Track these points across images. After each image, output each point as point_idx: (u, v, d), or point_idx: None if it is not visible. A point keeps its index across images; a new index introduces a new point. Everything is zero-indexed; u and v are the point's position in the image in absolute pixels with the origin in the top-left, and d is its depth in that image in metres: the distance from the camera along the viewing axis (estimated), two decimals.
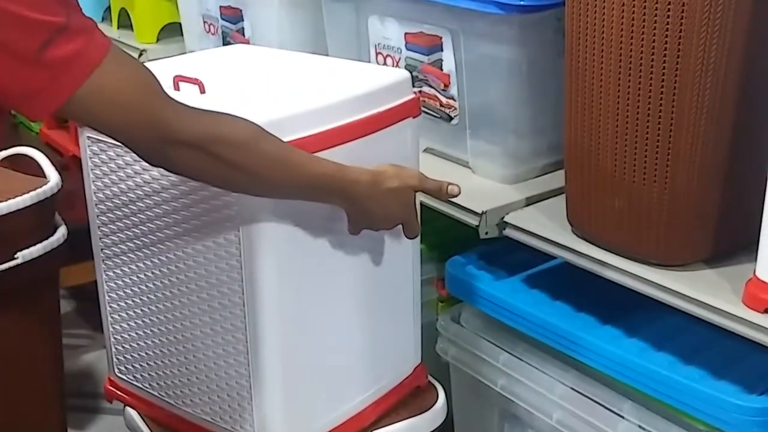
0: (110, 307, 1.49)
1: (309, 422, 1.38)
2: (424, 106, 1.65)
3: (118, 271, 1.45)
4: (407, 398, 1.52)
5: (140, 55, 2.43)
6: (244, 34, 2.08)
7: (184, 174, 1.16)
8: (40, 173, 1.70)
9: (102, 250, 1.46)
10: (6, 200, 1.58)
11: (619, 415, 1.39)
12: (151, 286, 1.41)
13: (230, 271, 1.29)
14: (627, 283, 1.32)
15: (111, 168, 1.38)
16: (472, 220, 1.49)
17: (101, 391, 1.59)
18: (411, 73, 1.45)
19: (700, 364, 1.31)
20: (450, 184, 1.32)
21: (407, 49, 1.68)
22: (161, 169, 1.27)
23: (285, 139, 1.17)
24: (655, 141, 1.23)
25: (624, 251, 1.33)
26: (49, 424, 1.81)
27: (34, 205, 1.61)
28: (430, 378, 1.57)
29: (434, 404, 1.52)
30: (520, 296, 1.53)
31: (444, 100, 1.65)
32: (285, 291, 1.30)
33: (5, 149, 1.80)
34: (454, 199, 1.45)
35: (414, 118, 1.39)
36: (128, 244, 1.41)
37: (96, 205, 1.43)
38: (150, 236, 1.38)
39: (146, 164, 1.19)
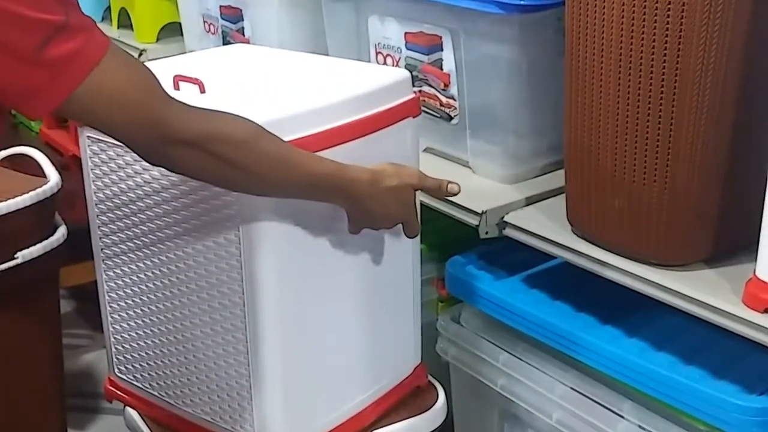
0: (110, 307, 1.49)
1: (309, 422, 1.38)
2: (424, 106, 1.65)
3: (118, 271, 1.45)
4: (407, 398, 1.52)
5: (140, 54, 2.43)
6: (244, 34, 2.08)
7: (184, 173, 1.16)
8: (40, 173, 1.70)
9: (102, 250, 1.46)
10: (6, 200, 1.58)
11: (619, 415, 1.39)
12: (151, 286, 1.41)
13: (230, 271, 1.29)
14: (627, 283, 1.32)
15: (111, 168, 1.38)
16: (472, 220, 1.49)
17: (101, 391, 1.59)
18: (411, 72, 1.45)
19: (700, 364, 1.31)
20: (449, 182, 1.32)
21: (407, 48, 1.68)
22: (161, 169, 1.27)
23: (285, 139, 1.17)
24: (655, 141, 1.23)
25: (624, 251, 1.33)
26: (49, 424, 1.81)
27: (34, 205, 1.61)
28: (430, 378, 1.57)
29: (434, 404, 1.52)
30: (520, 296, 1.53)
31: (444, 99, 1.65)
32: (285, 291, 1.30)
33: (5, 149, 1.80)
34: (454, 199, 1.45)
35: (414, 117, 1.39)
36: (128, 244, 1.41)
37: (96, 205, 1.43)
38: (150, 236, 1.38)
39: (146, 164, 1.20)
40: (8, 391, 1.68)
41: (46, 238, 1.65)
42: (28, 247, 1.62)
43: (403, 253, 1.45)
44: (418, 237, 1.40)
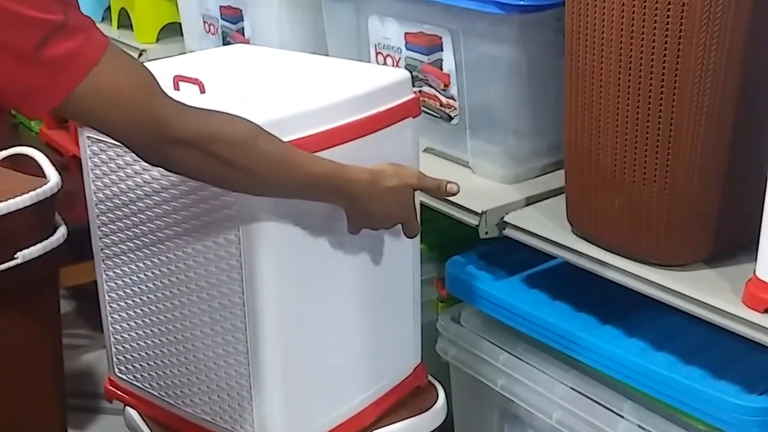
0: (110, 307, 1.49)
1: (309, 422, 1.38)
2: (424, 106, 1.65)
3: (118, 271, 1.45)
4: (407, 398, 1.52)
5: (140, 55, 2.43)
6: (244, 34, 2.08)
7: (183, 173, 1.16)
8: (40, 173, 1.70)
9: (102, 250, 1.46)
10: (6, 200, 1.58)
11: (619, 415, 1.39)
12: (151, 286, 1.41)
13: (230, 271, 1.29)
14: (627, 283, 1.32)
15: (111, 168, 1.38)
16: (472, 220, 1.49)
17: (101, 391, 1.59)
18: (411, 73, 1.45)
19: (700, 364, 1.31)
20: (449, 182, 1.32)
21: (407, 49, 1.68)
22: (161, 169, 1.27)
23: (285, 139, 1.17)
24: (655, 141, 1.23)
25: (624, 251, 1.33)
26: (49, 424, 1.81)
27: (34, 205, 1.61)
28: (430, 378, 1.57)
29: (434, 404, 1.52)
30: (520, 296, 1.53)
31: (444, 100, 1.65)
32: (285, 291, 1.30)
33: (5, 149, 1.80)
34: (454, 199, 1.45)
35: (414, 117, 1.39)
36: (128, 244, 1.41)
37: (96, 205, 1.43)
38: (150, 236, 1.38)
39: (146, 164, 1.19)
40: (8, 391, 1.68)
41: (46, 238, 1.65)
42: (28, 247, 1.62)
43: (403, 253, 1.45)
44: (418, 237, 1.40)
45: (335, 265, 1.35)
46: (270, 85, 1.41)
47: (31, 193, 1.61)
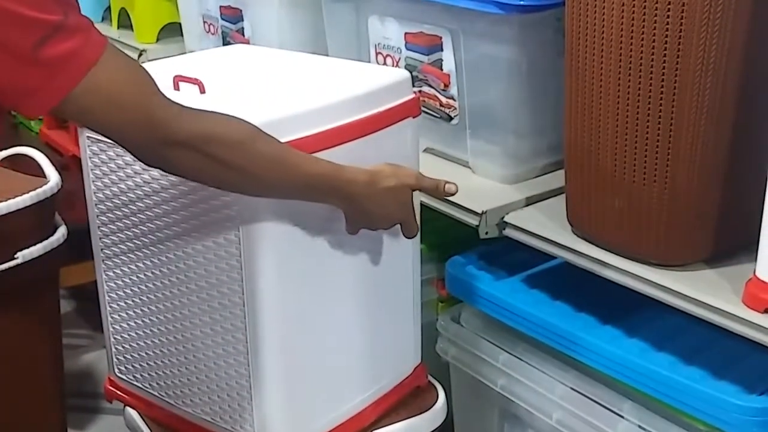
0: (110, 307, 1.49)
1: (309, 422, 1.38)
2: (424, 106, 1.64)
3: (118, 271, 1.45)
4: (407, 398, 1.52)
5: (140, 55, 2.43)
6: (244, 34, 2.08)
7: (181, 174, 1.16)
8: (40, 173, 1.70)
9: (102, 250, 1.46)
10: (6, 200, 1.58)
11: (619, 415, 1.39)
12: (151, 286, 1.41)
13: (230, 271, 1.29)
14: (627, 283, 1.32)
15: (111, 168, 1.38)
16: (472, 220, 1.49)
17: (101, 391, 1.59)
18: (411, 73, 1.45)
19: (700, 364, 1.31)
20: (447, 182, 1.32)
21: (407, 49, 1.68)
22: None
23: (284, 139, 1.17)
24: (655, 141, 1.23)
25: (624, 251, 1.33)
26: (49, 424, 1.81)
27: (34, 205, 1.61)
28: (430, 378, 1.57)
29: (434, 404, 1.52)
30: (520, 296, 1.53)
31: (444, 100, 1.65)
32: (285, 291, 1.30)
33: (5, 149, 1.80)
34: (454, 199, 1.45)
35: (414, 118, 1.39)
36: (128, 244, 1.41)
37: (96, 205, 1.43)
38: (150, 236, 1.38)
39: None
40: (8, 391, 1.68)
41: (46, 238, 1.65)
42: (28, 247, 1.62)
43: (403, 253, 1.45)
44: (418, 237, 1.40)
45: (335, 265, 1.35)
46: (270, 85, 1.41)
47: (31, 193, 1.61)
